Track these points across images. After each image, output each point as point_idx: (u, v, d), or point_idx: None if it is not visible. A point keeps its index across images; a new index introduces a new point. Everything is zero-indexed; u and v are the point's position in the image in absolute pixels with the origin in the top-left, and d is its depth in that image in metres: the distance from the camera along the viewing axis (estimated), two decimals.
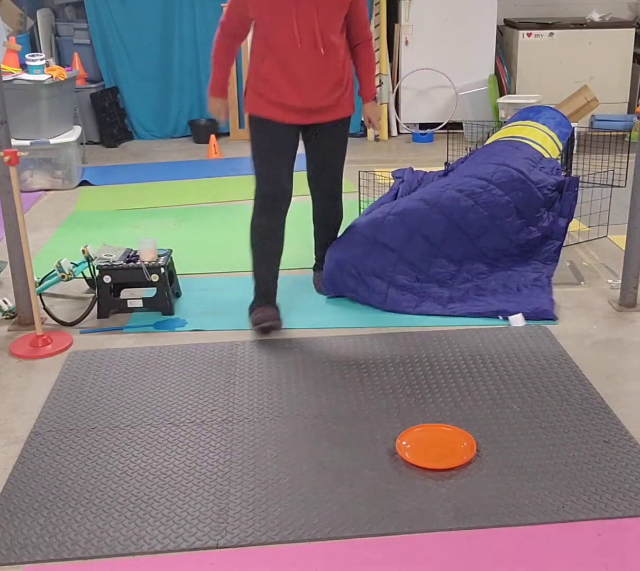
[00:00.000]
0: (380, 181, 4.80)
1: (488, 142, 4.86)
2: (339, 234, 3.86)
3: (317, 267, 3.97)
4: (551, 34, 6.99)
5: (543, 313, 3.57)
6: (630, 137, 6.45)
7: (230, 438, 2.73)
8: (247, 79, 3.45)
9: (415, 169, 4.40)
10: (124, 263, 3.70)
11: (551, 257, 4.01)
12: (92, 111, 7.02)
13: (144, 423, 2.84)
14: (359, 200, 4.66)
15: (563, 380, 3.07)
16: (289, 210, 3.50)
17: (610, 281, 3.96)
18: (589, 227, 4.63)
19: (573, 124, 5.37)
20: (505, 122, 5.48)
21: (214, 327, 3.61)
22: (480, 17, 6.98)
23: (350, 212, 4.80)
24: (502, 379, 3.07)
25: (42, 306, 3.61)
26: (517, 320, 3.53)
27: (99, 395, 3.03)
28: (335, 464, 2.57)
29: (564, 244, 4.03)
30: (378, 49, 7.08)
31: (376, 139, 7.25)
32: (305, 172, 3.66)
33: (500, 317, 3.57)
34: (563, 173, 4.38)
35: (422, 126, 7.29)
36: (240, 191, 5.74)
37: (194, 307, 3.80)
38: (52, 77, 5.60)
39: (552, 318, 3.55)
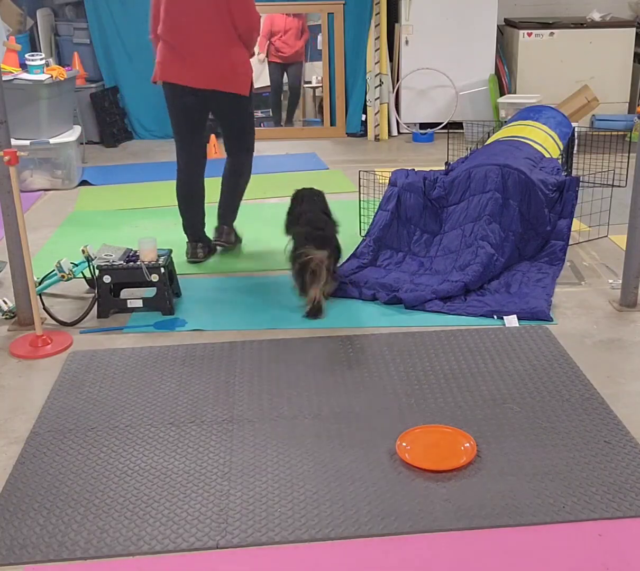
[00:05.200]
0: (380, 181, 4.80)
1: (488, 141, 4.85)
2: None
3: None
4: (551, 33, 6.99)
5: (538, 314, 3.56)
6: (630, 137, 6.45)
7: (230, 439, 2.73)
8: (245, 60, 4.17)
9: (416, 170, 4.39)
10: (124, 263, 3.70)
11: (557, 257, 4.02)
12: (92, 111, 7.02)
13: (144, 423, 2.83)
14: (359, 200, 4.65)
15: (563, 380, 3.06)
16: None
17: (610, 281, 3.96)
18: (590, 226, 4.63)
19: (573, 124, 5.37)
20: (505, 121, 5.47)
21: (214, 327, 3.61)
22: (481, 16, 6.98)
23: (351, 211, 4.81)
24: (502, 379, 3.07)
25: (42, 306, 3.61)
26: (512, 320, 3.53)
27: (98, 395, 3.03)
28: (335, 464, 2.57)
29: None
30: (378, 49, 7.08)
31: (376, 138, 7.26)
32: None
33: (495, 317, 3.57)
34: (563, 173, 4.38)
35: (423, 126, 7.29)
36: None
37: (194, 307, 3.80)
38: (52, 76, 5.59)
39: (547, 319, 3.55)
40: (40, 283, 3.71)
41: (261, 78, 7.93)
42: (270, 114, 8.04)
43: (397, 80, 7.26)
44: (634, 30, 7.00)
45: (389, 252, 4.18)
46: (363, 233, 4.51)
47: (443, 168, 4.44)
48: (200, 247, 4.37)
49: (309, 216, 3.80)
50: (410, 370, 3.16)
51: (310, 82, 8.11)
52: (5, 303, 3.69)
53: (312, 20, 7.77)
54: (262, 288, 4.02)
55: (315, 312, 3.61)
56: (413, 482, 2.48)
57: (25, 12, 6.96)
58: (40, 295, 3.60)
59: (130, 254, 3.81)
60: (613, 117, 6.92)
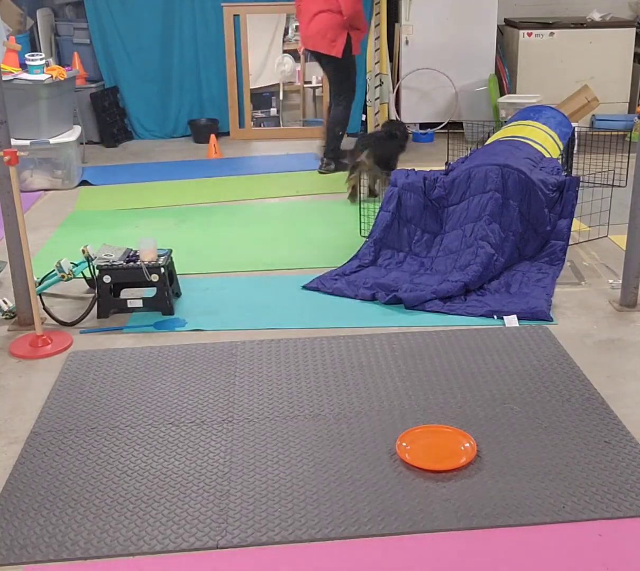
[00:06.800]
0: None
1: (489, 141, 4.85)
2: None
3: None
4: (552, 33, 6.98)
5: (538, 314, 3.56)
6: (630, 137, 6.44)
7: (230, 438, 2.73)
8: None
9: (417, 170, 4.38)
10: (124, 263, 3.70)
11: (557, 257, 4.02)
12: (92, 111, 7.01)
13: (144, 424, 2.84)
14: (359, 200, 4.65)
15: (563, 380, 3.06)
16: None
17: (610, 281, 3.96)
18: (590, 226, 4.63)
19: (573, 124, 5.37)
20: (505, 121, 5.47)
21: (214, 327, 3.61)
22: (481, 16, 6.97)
23: (350, 211, 4.82)
24: (503, 379, 3.07)
25: (42, 306, 3.61)
26: (512, 320, 3.53)
27: (99, 395, 3.03)
28: (335, 464, 2.57)
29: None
30: (378, 49, 7.07)
31: None
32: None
33: (495, 317, 3.58)
34: (563, 173, 4.38)
35: (423, 126, 7.28)
36: (240, 191, 5.74)
37: (194, 307, 3.80)
38: (52, 76, 5.59)
39: (547, 319, 3.55)
40: (40, 283, 3.70)
41: (262, 77, 7.91)
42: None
43: (397, 80, 7.25)
44: (634, 30, 6.99)
45: (390, 252, 4.18)
46: (363, 233, 4.50)
47: (443, 168, 4.44)
48: (324, 162, 6.07)
49: (369, 133, 5.61)
50: (410, 370, 3.16)
51: (310, 82, 8.09)
52: (5, 303, 3.69)
53: None
54: (262, 288, 4.02)
55: (349, 195, 5.17)
56: (413, 482, 2.48)
57: (25, 12, 6.95)
58: (40, 295, 3.60)
59: (130, 254, 3.81)
60: (613, 117, 6.91)
